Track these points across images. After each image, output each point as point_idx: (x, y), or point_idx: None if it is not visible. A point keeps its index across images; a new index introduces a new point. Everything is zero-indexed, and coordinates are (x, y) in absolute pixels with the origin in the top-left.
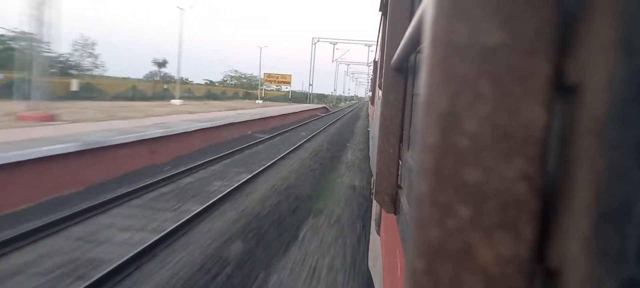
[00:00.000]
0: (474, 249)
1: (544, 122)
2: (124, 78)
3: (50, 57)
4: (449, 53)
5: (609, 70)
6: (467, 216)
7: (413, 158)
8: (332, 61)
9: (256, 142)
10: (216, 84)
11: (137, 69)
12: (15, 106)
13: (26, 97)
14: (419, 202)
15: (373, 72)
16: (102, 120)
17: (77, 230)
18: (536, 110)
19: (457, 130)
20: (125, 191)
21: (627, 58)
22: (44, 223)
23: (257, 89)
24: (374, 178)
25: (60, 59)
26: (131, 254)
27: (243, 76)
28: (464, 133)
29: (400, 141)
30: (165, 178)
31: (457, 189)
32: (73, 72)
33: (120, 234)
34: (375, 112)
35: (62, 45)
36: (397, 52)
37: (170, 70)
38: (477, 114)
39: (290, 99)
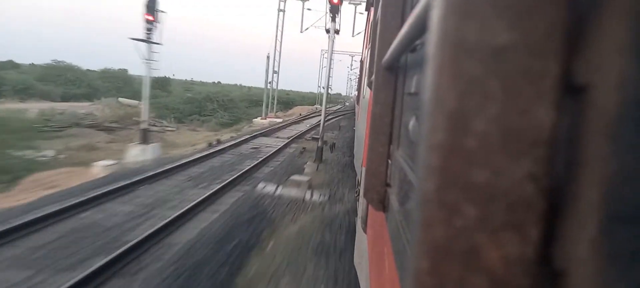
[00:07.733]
0: (479, 250)
1: (552, 123)
2: None
3: None
4: (457, 52)
5: (619, 71)
6: (473, 216)
7: (403, 156)
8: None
9: None
10: None
11: None
12: None
13: None
14: (425, 201)
15: (359, 71)
16: None
17: None
18: (545, 110)
19: (464, 129)
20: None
21: (637, 59)
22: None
23: None
24: (358, 177)
25: None
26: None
27: None
28: (472, 132)
29: (390, 140)
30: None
31: (464, 189)
32: None
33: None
34: (360, 111)
35: None
36: (390, 50)
37: None
38: (486, 113)
39: None
